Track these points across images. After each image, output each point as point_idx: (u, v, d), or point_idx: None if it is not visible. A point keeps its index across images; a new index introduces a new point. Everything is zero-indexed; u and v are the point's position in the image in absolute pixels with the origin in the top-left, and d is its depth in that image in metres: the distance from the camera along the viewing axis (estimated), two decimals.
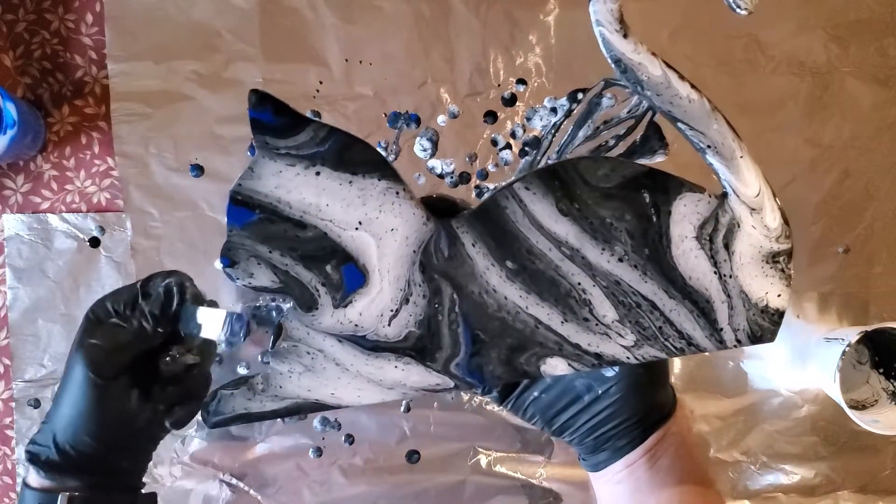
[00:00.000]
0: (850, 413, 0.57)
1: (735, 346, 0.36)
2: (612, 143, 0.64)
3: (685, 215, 0.35)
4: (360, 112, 0.63)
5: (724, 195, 0.35)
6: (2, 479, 0.64)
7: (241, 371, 0.62)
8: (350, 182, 0.33)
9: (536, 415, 0.40)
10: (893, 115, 0.64)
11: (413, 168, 0.63)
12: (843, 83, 0.64)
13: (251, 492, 0.63)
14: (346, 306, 0.35)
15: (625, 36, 0.32)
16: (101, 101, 0.64)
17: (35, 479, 0.41)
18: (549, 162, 0.64)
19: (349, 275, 0.34)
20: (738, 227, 0.35)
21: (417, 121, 0.63)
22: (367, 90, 0.63)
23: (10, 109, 0.57)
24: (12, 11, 0.63)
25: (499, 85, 0.64)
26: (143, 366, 0.42)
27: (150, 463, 0.62)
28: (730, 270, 0.35)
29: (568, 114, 0.64)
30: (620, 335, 0.36)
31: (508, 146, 0.64)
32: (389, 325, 0.35)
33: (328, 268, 0.34)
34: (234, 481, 0.63)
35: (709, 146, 0.34)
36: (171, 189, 0.63)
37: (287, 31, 0.63)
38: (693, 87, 0.33)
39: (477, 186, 0.63)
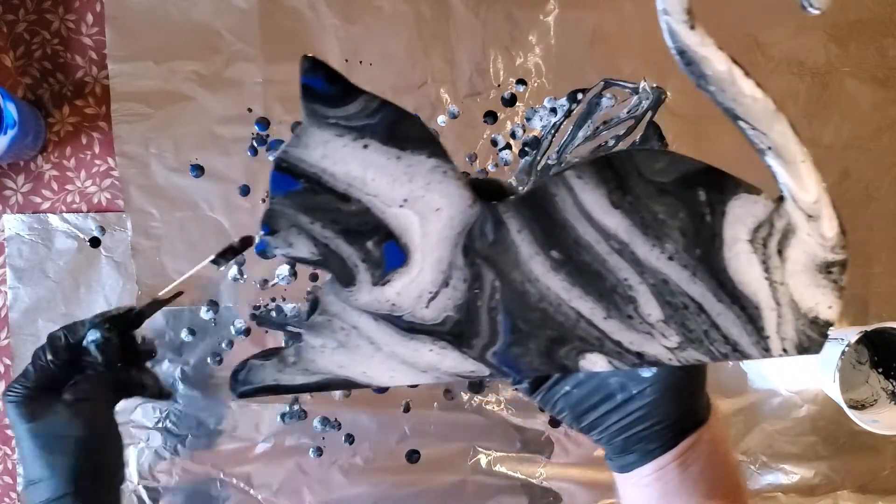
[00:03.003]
0: (850, 413, 0.57)
1: (781, 355, 0.35)
2: (611, 143, 0.64)
3: (740, 217, 0.33)
4: None
5: (781, 199, 0.34)
6: (2, 478, 0.64)
7: None
8: (398, 158, 0.32)
9: (566, 410, 0.39)
10: (893, 115, 0.64)
11: None
12: (843, 83, 0.64)
13: (251, 492, 0.63)
14: (384, 284, 0.34)
15: (692, 27, 0.31)
16: (101, 101, 0.64)
17: None
18: (549, 162, 0.64)
19: (390, 253, 0.33)
20: (793, 233, 0.34)
21: None
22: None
23: (11, 109, 0.57)
24: (12, 11, 0.64)
25: (499, 85, 0.64)
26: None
27: (150, 462, 0.62)
28: (781, 277, 0.34)
29: (568, 114, 0.64)
30: (664, 336, 0.34)
31: (508, 146, 0.64)
32: (427, 307, 0.34)
33: (369, 244, 0.33)
34: (234, 481, 0.63)
35: (769, 148, 0.33)
36: (171, 189, 0.63)
37: (287, 31, 0.63)
38: (758, 85, 0.32)
39: None
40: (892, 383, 0.63)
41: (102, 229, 0.63)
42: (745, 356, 0.35)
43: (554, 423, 0.64)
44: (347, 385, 0.36)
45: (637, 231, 0.33)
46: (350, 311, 0.34)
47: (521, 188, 0.63)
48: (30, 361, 0.47)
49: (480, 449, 0.64)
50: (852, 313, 0.64)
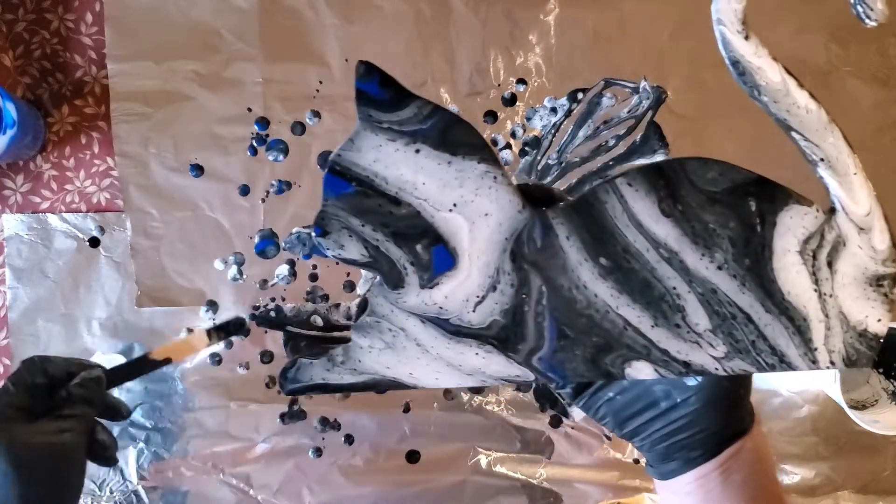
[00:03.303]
0: (851, 413, 0.57)
1: (828, 367, 0.35)
2: (612, 142, 0.64)
3: (790, 228, 0.33)
4: None
5: (832, 211, 0.34)
6: None
7: (241, 371, 0.62)
8: (449, 163, 0.32)
9: (608, 416, 0.39)
10: (893, 115, 0.64)
11: None
12: (844, 83, 0.64)
13: (251, 492, 0.63)
14: (432, 287, 0.34)
15: (746, 38, 0.31)
16: (100, 101, 0.64)
17: None
18: (549, 162, 0.63)
19: (438, 256, 0.34)
20: (844, 245, 0.34)
21: None
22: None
23: (10, 109, 0.57)
24: (12, 11, 0.63)
25: (499, 85, 0.64)
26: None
27: (150, 462, 0.62)
28: (830, 290, 0.34)
29: (568, 114, 0.64)
30: (712, 345, 0.35)
31: (508, 146, 0.64)
32: (474, 311, 0.34)
33: (418, 247, 0.34)
34: (234, 481, 0.63)
35: (822, 159, 0.33)
36: (171, 189, 0.63)
37: (287, 31, 0.63)
38: (811, 96, 0.32)
39: None
40: (892, 383, 0.63)
41: (102, 229, 0.63)
42: (792, 367, 0.35)
43: (554, 423, 0.64)
44: (394, 386, 0.36)
45: (687, 240, 0.33)
46: (398, 313, 0.35)
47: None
48: (6, 380, 0.44)
49: (480, 449, 0.64)
50: None
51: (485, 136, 0.63)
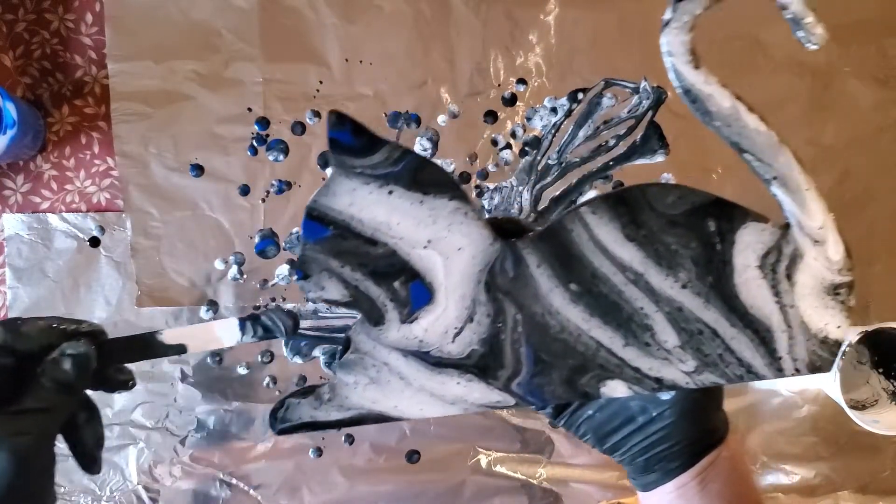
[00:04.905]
0: (850, 413, 0.57)
1: (794, 374, 0.36)
2: (612, 142, 0.64)
3: (749, 244, 0.35)
4: (360, 112, 0.63)
5: (788, 226, 0.35)
6: None
7: (241, 371, 0.62)
8: (421, 202, 0.33)
9: (589, 433, 0.41)
10: (893, 115, 0.64)
11: None
12: (844, 83, 0.64)
13: (251, 492, 0.63)
14: (411, 322, 0.35)
15: (696, 67, 0.33)
16: (100, 101, 0.64)
17: None
18: (550, 162, 0.64)
19: (416, 292, 0.35)
20: (801, 258, 0.35)
21: (417, 121, 0.63)
22: (367, 90, 0.63)
23: (10, 109, 0.57)
24: (12, 11, 0.63)
25: (499, 85, 0.64)
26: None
27: (150, 462, 0.62)
28: (791, 301, 0.35)
29: (568, 114, 0.64)
30: (681, 361, 0.36)
31: (508, 146, 0.64)
32: (453, 342, 0.36)
33: (396, 284, 0.35)
34: (234, 481, 0.63)
35: (774, 178, 0.34)
36: (171, 189, 0.63)
37: (287, 31, 0.63)
38: (761, 119, 0.34)
39: (477, 186, 0.63)
40: (892, 383, 0.63)
41: (102, 229, 0.63)
42: (759, 377, 0.36)
43: None
44: (380, 419, 0.37)
45: (651, 262, 0.35)
46: (380, 348, 0.36)
47: (521, 187, 0.63)
48: None
49: (480, 449, 0.64)
50: (853, 313, 0.64)
51: (485, 136, 0.63)
